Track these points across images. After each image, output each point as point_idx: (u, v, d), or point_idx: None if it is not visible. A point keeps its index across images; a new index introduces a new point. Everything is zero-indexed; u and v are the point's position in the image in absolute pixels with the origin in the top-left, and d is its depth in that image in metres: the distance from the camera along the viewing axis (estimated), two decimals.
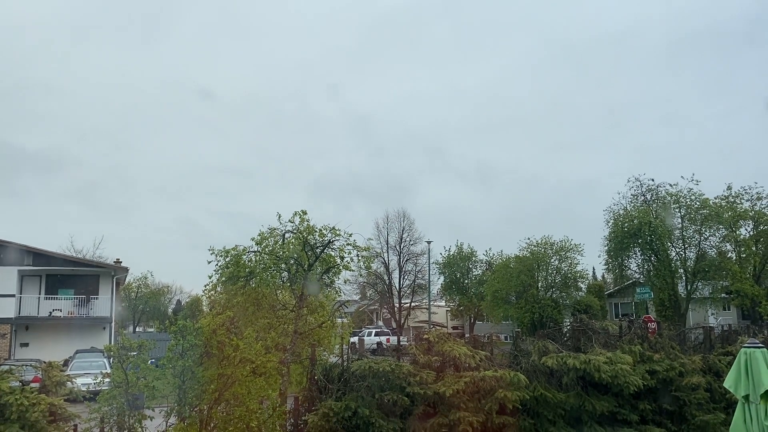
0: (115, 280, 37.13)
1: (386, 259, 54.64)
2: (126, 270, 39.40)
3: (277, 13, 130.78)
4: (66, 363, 25.73)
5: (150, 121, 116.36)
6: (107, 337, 34.52)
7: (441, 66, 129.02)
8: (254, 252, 13.38)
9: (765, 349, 5.78)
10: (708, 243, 34.17)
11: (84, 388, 12.25)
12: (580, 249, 40.29)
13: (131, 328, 66.42)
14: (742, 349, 5.87)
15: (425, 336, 13.85)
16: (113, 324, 35.86)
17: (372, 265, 26.00)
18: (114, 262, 40.06)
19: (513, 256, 42.55)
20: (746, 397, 5.72)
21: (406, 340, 34.44)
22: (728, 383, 5.91)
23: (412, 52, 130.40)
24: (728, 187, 34.04)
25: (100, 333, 34.79)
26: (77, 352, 28.07)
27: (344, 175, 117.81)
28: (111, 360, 14.33)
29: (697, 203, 33.15)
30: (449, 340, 13.20)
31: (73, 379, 17.33)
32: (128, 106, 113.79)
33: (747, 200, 33.73)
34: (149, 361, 10.12)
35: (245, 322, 13.18)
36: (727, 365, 14.98)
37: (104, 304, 35.64)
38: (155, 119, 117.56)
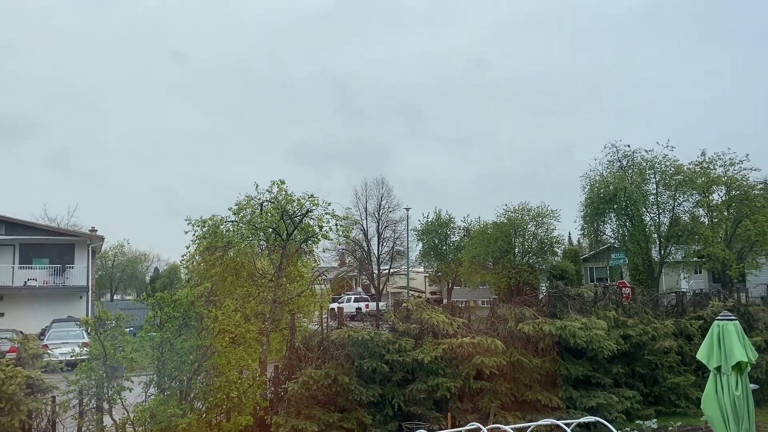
0: (90, 248, 36.73)
1: (365, 226, 54.83)
2: (101, 238, 38.96)
3: None
4: (43, 333, 25.56)
5: (120, 85, 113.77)
6: (84, 306, 34.33)
7: (418, 30, 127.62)
8: (232, 222, 13.28)
9: (737, 322, 5.91)
10: (681, 208, 34.72)
11: (62, 359, 12.19)
12: (556, 215, 40.86)
13: (108, 296, 65.96)
14: (715, 322, 5.99)
15: (404, 304, 13.98)
16: (90, 293, 35.62)
17: (351, 233, 26.01)
18: (89, 230, 39.58)
19: (490, 222, 42.89)
20: (718, 369, 5.87)
21: (384, 305, 34.77)
22: (701, 355, 6.05)
23: (389, 16, 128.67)
24: (702, 153, 34.48)
25: (76, 302, 34.58)
26: (54, 321, 27.85)
27: (322, 141, 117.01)
28: (88, 330, 14.23)
29: (672, 169, 33.53)
30: (427, 308, 13.32)
31: (51, 350, 17.31)
32: (96, 69, 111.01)
33: (720, 166, 34.14)
34: (128, 330, 10.04)
35: (224, 292, 13.14)
36: (699, 329, 15.38)
37: (80, 273, 35.32)
38: (125, 82, 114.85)
